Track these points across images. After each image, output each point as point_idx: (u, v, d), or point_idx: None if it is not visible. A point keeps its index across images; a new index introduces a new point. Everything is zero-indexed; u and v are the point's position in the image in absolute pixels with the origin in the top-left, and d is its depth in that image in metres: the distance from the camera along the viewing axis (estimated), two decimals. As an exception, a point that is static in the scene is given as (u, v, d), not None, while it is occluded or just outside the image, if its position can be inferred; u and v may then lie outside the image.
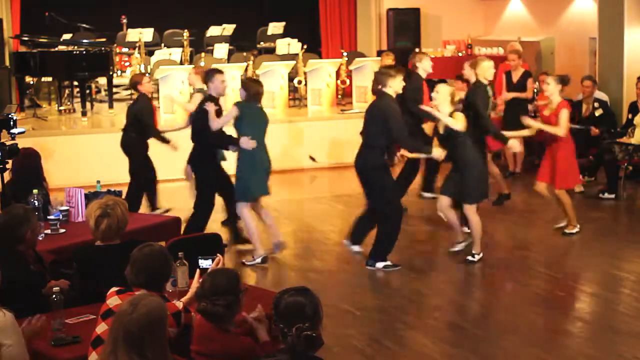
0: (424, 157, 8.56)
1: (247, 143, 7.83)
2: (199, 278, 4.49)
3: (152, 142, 9.39)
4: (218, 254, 4.77)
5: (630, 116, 10.88)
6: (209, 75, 8.22)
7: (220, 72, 8.23)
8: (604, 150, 10.44)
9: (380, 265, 7.82)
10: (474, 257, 7.90)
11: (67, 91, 14.15)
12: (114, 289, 4.24)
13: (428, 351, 5.98)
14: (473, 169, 7.80)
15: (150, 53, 14.89)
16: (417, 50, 12.01)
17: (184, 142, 8.79)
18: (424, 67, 9.65)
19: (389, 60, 11.91)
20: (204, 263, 4.79)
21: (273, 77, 13.52)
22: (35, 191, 6.55)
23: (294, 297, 3.58)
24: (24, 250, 5.04)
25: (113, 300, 4.16)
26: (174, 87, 12.69)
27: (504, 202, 9.88)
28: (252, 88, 8.00)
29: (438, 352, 5.95)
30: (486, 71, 8.71)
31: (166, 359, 3.40)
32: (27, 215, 5.05)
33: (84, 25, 15.61)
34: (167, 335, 3.46)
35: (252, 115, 7.94)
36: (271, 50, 15.94)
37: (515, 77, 11.27)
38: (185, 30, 15.13)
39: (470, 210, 7.91)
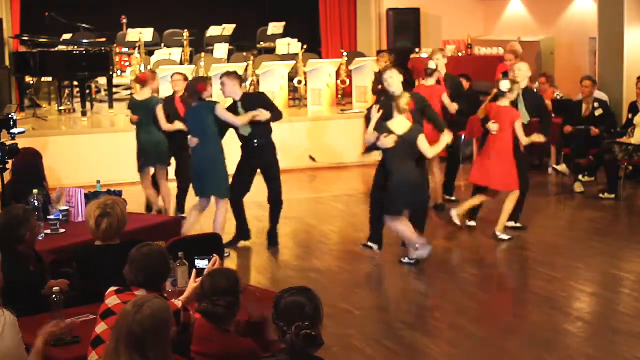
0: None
1: (190, 142, 8.27)
2: (196, 278, 4.50)
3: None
4: (214, 254, 4.76)
5: (630, 116, 10.88)
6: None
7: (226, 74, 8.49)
8: (604, 150, 10.44)
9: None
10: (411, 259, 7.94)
11: (67, 91, 14.15)
12: (113, 288, 4.24)
13: (428, 351, 5.98)
14: (394, 180, 7.75)
15: (150, 53, 14.89)
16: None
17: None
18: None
19: (383, 61, 11.90)
20: (201, 263, 4.79)
21: (273, 77, 13.52)
22: (35, 191, 6.55)
23: (294, 296, 3.58)
24: (24, 250, 5.04)
25: (112, 300, 4.16)
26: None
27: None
28: (187, 88, 8.47)
29: (438, 352, 5.95)
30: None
31: None
32: (26, 216, 5.05)
33: (84, 25, 15.61)
34: (170, 337, 3.45)
35: (189, 115, 8.32)
36: (271, 50, 15.94)
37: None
38: (185, 30, 15.13)
39: (388, 221, 7.88)
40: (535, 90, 9.81)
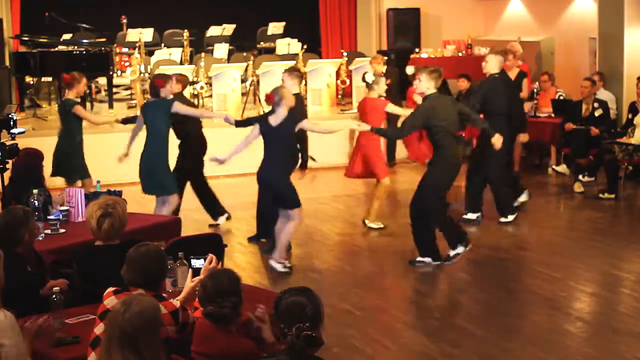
0: None
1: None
2: (192, 277, 4.49)
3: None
4: (210, 254, 4.73)
5: (630, 116, 10.89)
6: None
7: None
8: (604, 150, 10.44)
9: None
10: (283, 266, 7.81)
11: (67, 91, 14.13)
12: (111, 289, 4.24)
13: (428, 351, 5.98)
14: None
15: (150, 53, 14.88)
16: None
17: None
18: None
19: (377, 63, 11.88)
20: (197, 263, 4.79)
21: (273, 77, 13.49)
22: (35, 191, 6.54)
23: (295, 297, 3.57)
24: (22, 251, 5.03)
25: (110, 301, 4.15)
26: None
27: None
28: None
29: (438, 352, 5.94)
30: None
31: (161, 357, 3.41)
32: (26, 217, 5.05)
33: (84, 25, 15.60)
34: (160, 333, 3.46)
35: (143, 109, 8.37)
36: (271, 50, 15.94)
37: (511, 77, 11.22)
38: (185, 30, 15.11)
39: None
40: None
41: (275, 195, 7.71)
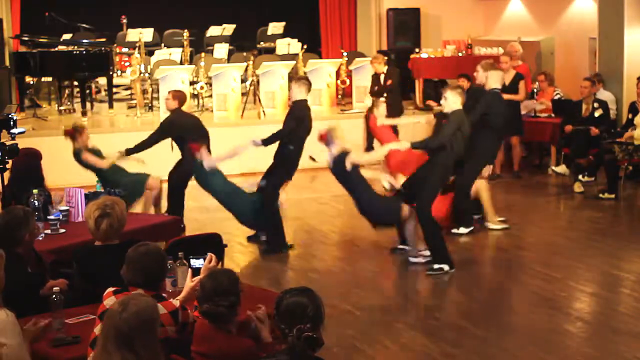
0: None
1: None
2: (192, 277, 4.49)
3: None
4: (209, 253, 4.74)
5: (630, 116, 10.89)
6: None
7: None
8: (604, 150, 10.44)
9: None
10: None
11: (67, 91, 14.15)
12: (111, 289, 4.24)
13: (428, 351, 5.98)
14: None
15: (150, 53, 14.88)
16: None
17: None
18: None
19: (377, 63, 11.86)
20: (196, 263, 4.78)
21: (273, 77, 13.52)
22: (35, 191, 6.54)
23: (296, 297, 3.57)
24: (22, 251, 5.03)
25: (110, 301, 4.15)
26: (174, 87, 12.66)
27: None
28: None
29: (438, 352, 5.95)
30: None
31: (158, 357, 3.41)
32: (26, 217, 5.05)
33: (84, 25, 15.61)
34: (158, 333, 3.47)
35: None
36: (271, 50, 15.94)
37: (507, 79, 11.20)
38: (185, 30, 15.11)
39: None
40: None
41: (379, 219, 8.17)
